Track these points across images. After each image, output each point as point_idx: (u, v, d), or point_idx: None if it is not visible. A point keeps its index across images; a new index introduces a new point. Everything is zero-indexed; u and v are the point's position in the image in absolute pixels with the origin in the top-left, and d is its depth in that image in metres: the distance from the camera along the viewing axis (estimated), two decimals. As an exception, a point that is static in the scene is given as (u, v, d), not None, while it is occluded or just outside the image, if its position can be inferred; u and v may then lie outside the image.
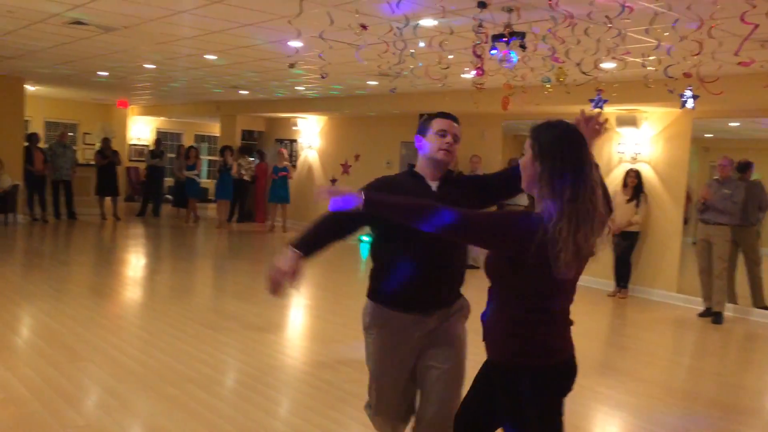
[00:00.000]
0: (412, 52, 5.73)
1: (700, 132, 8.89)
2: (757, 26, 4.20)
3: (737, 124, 9.00)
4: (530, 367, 2.12)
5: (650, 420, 4.35)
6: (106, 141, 13.90)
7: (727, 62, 5.35)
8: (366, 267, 11.16)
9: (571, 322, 2.26)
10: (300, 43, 6.72)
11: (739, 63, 4.83)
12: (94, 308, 6.37)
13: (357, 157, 13.11)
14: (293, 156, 14.69)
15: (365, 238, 12.46)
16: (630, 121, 8.67)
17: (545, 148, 2.05)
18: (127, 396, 4.12)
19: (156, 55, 8.62)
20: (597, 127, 2.42)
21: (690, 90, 5.05)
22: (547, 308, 2.16)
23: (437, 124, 2.68)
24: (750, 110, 7.86)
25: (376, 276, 2.74)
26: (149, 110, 18.05)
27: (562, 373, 2.18)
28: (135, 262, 9.64)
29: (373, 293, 2.73)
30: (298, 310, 7.23)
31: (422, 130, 2.73)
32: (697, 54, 4.70)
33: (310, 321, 6.80)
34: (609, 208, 2.24)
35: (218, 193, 13.74)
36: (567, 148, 2.04)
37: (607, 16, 4.40)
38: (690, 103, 5.14)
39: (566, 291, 2.21)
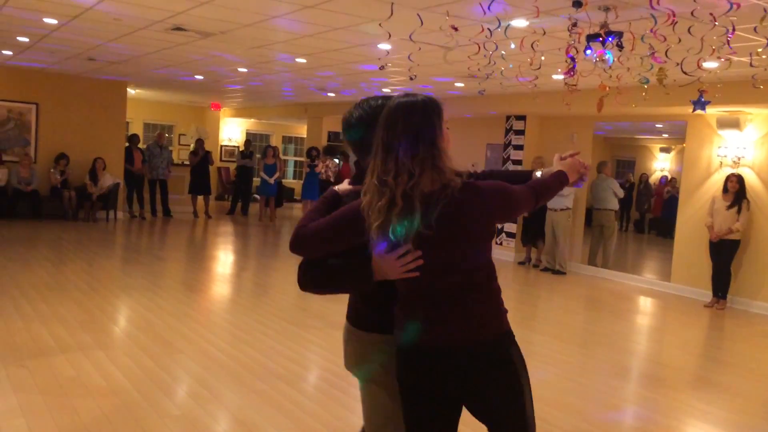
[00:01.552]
0: (502, 53, 5.64)
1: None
2: None
3: None
4: (510, 332, 2.11)
5: (752, 440, 4.10)
6: (199, 141, 14.48)
7: None
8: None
9: None
10: (389, 45, 6.75)
11: None
12: (187, 302, 6.64)
13: (441, 159, 13.02)
14: (378, 157, 14.77)
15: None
16: (732, 123, 8.21)
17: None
18: (218, 388, 4.27)
19: (249, 59, 8.90)
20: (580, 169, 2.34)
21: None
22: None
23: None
24: None
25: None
26: (240, 112, 18.67)
27: None
28: (224, 259, 9.98)
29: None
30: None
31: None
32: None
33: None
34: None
35: (304, 193, 14.02)
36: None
37: (712, 14, 4.18)
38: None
39: None
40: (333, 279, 2.09)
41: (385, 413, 2.22)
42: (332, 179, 14.40)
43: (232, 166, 17.19)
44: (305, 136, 16.71)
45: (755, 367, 5.93)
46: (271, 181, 14.01)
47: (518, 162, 11.02)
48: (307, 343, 5.45)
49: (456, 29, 5.53)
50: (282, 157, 19.07)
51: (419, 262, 1.95)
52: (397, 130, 1.93)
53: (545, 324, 7.21)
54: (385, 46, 6.90)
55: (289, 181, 19.64)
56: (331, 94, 12.64)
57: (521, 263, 10.77)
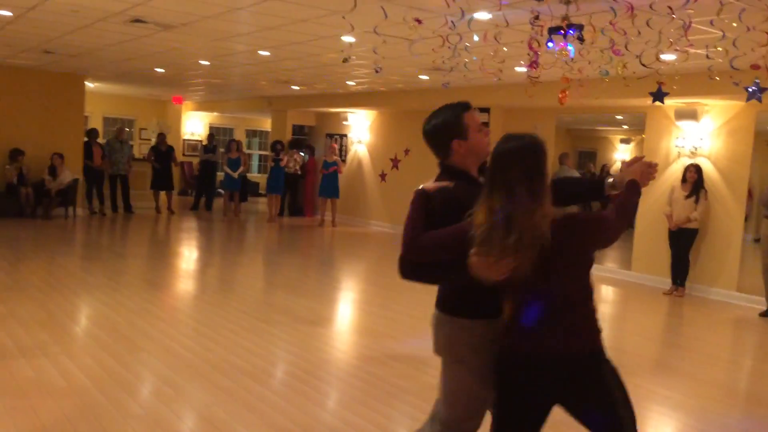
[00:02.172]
0: (466, 46, 5.66)
1: (764, 125, 8.55)
2: (832, 14, 4.00)
3: (805, 117, 8.61)
4: (602, 351, 2.30)
5: (709, 422, 4.22)
6: (161, 136, 14.23)
7: (797, 53, 5.10)
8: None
9: None
10: (353, 38, 6.72)
11: (812, 53, 4.59)
12: (149, 299, 6.53)
13: (407, 151, 13.08)
14: (343, 151, 14.77)
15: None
16: (690, 115, 8.39)
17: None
18: (182, 386, 4.21)
19: (211, 52, 8.77)
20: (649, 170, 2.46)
21: (758, 82, 4.84)
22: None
23: (475, 120, 2.50)
24: (820, 103, 7.50)
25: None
26: (202, 106, 18.41)
27: None
28: (188, 255, 9.85)
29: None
30: (348, 304, 7.27)
31: (457, 132, 2.46)
32: (765, 45, 4.51)
33: (359, 315, 6.82)
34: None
35: (269, 188, 13.91)
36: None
37: (669, 7, 4.25)
38: (756, 96, 4.92)
39: None
40: (437, 272, 2.36)
41: (469, 394, 2.44)
42: (299, 172, 14.35)
43: (195, 161, 16.97)
44: (269, 129, 16.57)
45: (713, 352, 6.09)
46: (235, 175, 13.86)
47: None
48: (273, 339, 5.42)
49: (420, 22, 5.53)
50: (246, 151, 18.91)
51: (509, 268, 2.16)
52: (514, 172, 2.17)
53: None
54: (349, 39, 6.87)
55: (254, 176, 19.46)
56: (296, 87, 12.54)
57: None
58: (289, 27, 6.62)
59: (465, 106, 2.51)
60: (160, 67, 10.78)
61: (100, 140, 13.84)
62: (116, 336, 5.16)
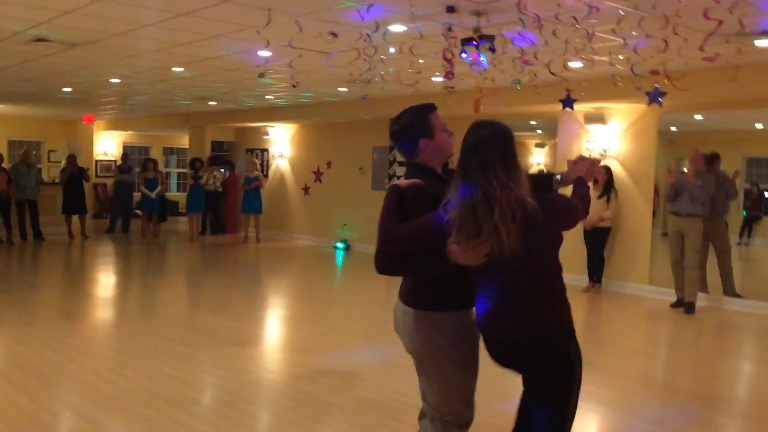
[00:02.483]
0: (382, 58, 5.71)
1: (666, 126, 9.03)
2: (720, 22, 4.26)
3: (701, 117, 9.16)
4: (572, 329, 2.43)
5: (630, 413, 4.38)
6: (71, 158, 13.64)
7: (692, 58, 5.44)
8: (341, 275, 11.04)
9: None
10: (269, 52, 6.66)
11: (705, 58, 4.89)
12: (64, 331, 6.21)
13: (329, 164, 13.05)
14: (265, 165, 14.59)
15: (340, 245, 12.42)
16: (598, 118, 8.77)
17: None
18: (102, 420, 4.01)
19: (122, 69, 8.49)
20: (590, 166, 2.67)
21: (657, 87, 5.11)
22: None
23: (440, 120, 2.64)
24: (715, 103, 7.99)
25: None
26: (115, 125, 17.79)
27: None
28: (105, 281, 9.45)
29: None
30: (275, 322, 7.16)
31: (425, 131, 2.58)
32: (663, 51, 4.77)
33: (287, 332, 6.72)
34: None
35: (189, 206, 13.56)
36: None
37: (574, 17, 4.43)
38: (656, 100, 5.20)
39: None
40: (414, 262, 2.46)
41: (460, 385, 2.57)
42: (220, 189, 14.07)
43: (110, 182, 16.35)
44: (187, 146, 16.17)
45: (630, 345, 6.36)
46: (153, 195, 13.44)
47: (402, 164, 11.19)
48: (198, 363, 5.26)
49: (335, 35, 5.55)
50: (163, 169, 18.38)
51: (486, 251, 2.27)
52: (490, 152, 2.31)
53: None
54: (265, 53, 6.80)
55: (173, 195, 18.93)
56: (213, 103, 12.31)
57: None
58: (202, 42, 6.49)
59: (431, 107, 2.65)
60: (68, 87, 10.35)
61: (5, 165, 13.11)
62: (29, 372, 4.87)
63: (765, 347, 6.67)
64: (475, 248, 2.27)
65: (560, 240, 2.45)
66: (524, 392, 2.52)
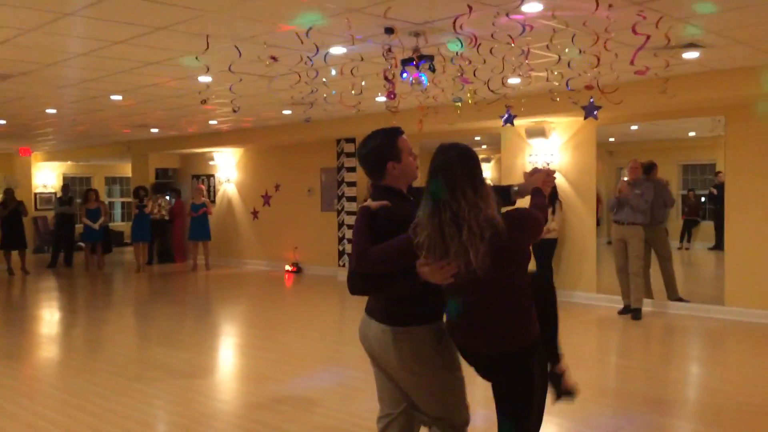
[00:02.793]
0: (324, 81, 5.73)
1: (604, 137, 9.31)
2: (648, 37, 4.44)
3: (636, 127, 9.49)
4: (536, 343, 2.51)
5: (583, 422, 4.45)
6: (8, 192, 13.17)
7: (624, 71, 5.63)
8: (294, 299, 10.88)
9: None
10: (209, 77, 6.60)
11: (635, 72, 5.08)
12: (6, 373, 5.95)
13: (277, 187, 12.97)
14: (211, 191, 14.39)
15: (292, 268, 12.31)
16: (539, 132, 8.98)
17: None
18: (50, 464, 3.85)
19: (57, 99, 8.27)
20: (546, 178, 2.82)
21: (592, 101, 5.28)
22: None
23: (407, 144, 2.71)
24: (648, 114, 8.30)
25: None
26: (54, 155, 17.28)
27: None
28: (48, 318, 9.11)
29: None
30: (228, 350, 7.03)
31: (392, 155, 2.65)
32: (595, 66, 4.94)
33: (241, 360, 6.61)
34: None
35: (135, 236, 13.24)
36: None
37: (509, 35, 4.55)
38: (592, 113, 5.36)
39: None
40: (387, 282, 2.52)
41: (453, 387, 2.68)
42: (167, 217, 13.81)
43: (50, 215, 15.84)
44: (131, 175, 15.82)
45: (581, 353, 6.47)
46: (96, 226, 13.08)
47: (352, 184, 11.22)
48: (148, 398, 5.11)
49: (275, 59, 5.54)
50: (106, 199, 17.94)
51: (454, 271, 2.35)
52: (457, 173, 2.37)
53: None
54: (205, 79, 6.73)
55: (118, 224, 18.48)
56: (155, 130, 12.10)
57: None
58: (140, 70, 6.39)
59: (398, 131, 2.72)
60: (2, 119, 10.02)
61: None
62: (-33, 419, 4.64)
63: (710, 349, 6.89)
64: (443, 268, 2.35)
65: (528, 257, 2.54)
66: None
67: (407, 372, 2.63)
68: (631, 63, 4.80)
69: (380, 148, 2.67)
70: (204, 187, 13.79)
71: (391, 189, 2.68)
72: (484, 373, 2.60)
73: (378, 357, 2.69)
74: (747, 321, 7.39)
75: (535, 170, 2.83)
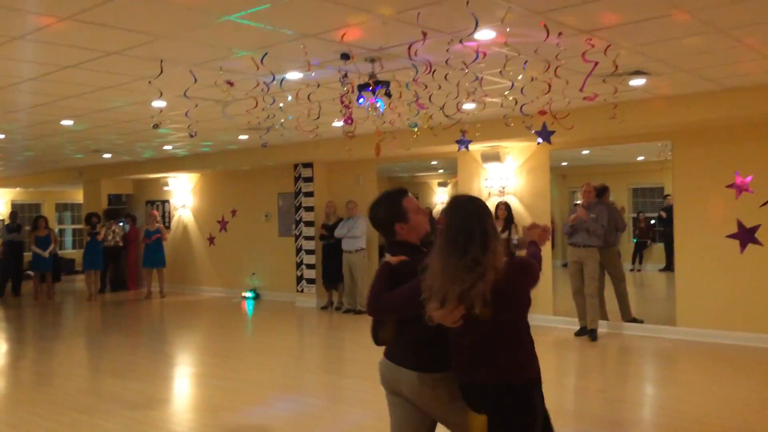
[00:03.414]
0: (281, 106, 5.73)
1: (557, 161, 9.50)
2: (597, 64, 4.58)
3: (588, 152, 9.72)
4: (539, 380, 2.68)
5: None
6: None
7: (575, 97, 5.78)
8: (252, 325, 10.74)
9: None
10: (164, 102, 6.53)
11: (585, 98, 5.22)
12: (-53, 408, 5.69)
13: (234, 212, 12.83)
14: (166, 217, 14.15)
15: (249, 294, 12.14)
16: (494, 157, 9.12)
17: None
18: (-8, 505, 3.68)
19: (5, 125, 8.06)
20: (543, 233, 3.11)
21: (545, 125, 5.39)
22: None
23: (412, 203, 2.91)
24: (598, 139, 8.52)
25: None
26: (2, 182, 16.80)
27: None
28: (-5, 349, 8.77)
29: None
30: (184, 380, 6.86)
31: (398, 217, 2.85)
32: (547, 92, 5.05)
33: (196, 390, 6.45)
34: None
35: (86, 264, 12.89)
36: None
37: (463, 62, 4.63)
38: (546, 138, 5.47)
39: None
40: (404, 330, 2.75)
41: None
42: (120, 244, 13.51)
43: (-3, 243, 15.33)
44: (82, 201, 15.47)
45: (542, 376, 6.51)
46: (46, 254, 12.70)
47: (310, 208, 11.18)
48: (100, 431, 4.94)
49: (232, 84, 5.52)
50: (57, 226, 17.47)
51: (463, 312, 2.51)
52: (473, 223, 2.56)
53: (353, 366, 7.30)
54: (160, 104, 6.65)
55: (69, 252, 18.00)
56: (108, 155, 11.87)
57: (324, 308, 10.87)
58: (92, 95, 6.28)
59: (402, 193, 2.92)
60: (-55, 144, 9.71)
61: None
62: None
63: (664, 369, 7.03)
64: (453, 311, 2.49)
65: (529, 301, 2.70)
66: None
67: (448, 410, 2.75)
68: (581, 89, 4.93)
69: (386, 213, 2.89)
70: (158, 213, 13.55)
71: (405, 243, 2.86)
72: (485, 409, 2.62)
73: (414, 401, 2.77)
74: (698, 341, 7.57)
75: (534, 225, 3.15)
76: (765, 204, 7.19)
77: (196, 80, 5.26)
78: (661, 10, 4.05)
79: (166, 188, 13.98)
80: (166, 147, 10.74)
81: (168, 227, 13.89)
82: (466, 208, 2.62)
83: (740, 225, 7.38)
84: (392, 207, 2.87)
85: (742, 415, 5.03)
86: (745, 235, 7.36)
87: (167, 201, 14.20)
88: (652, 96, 6.83)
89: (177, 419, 5.39)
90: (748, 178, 7.28)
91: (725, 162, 7.47)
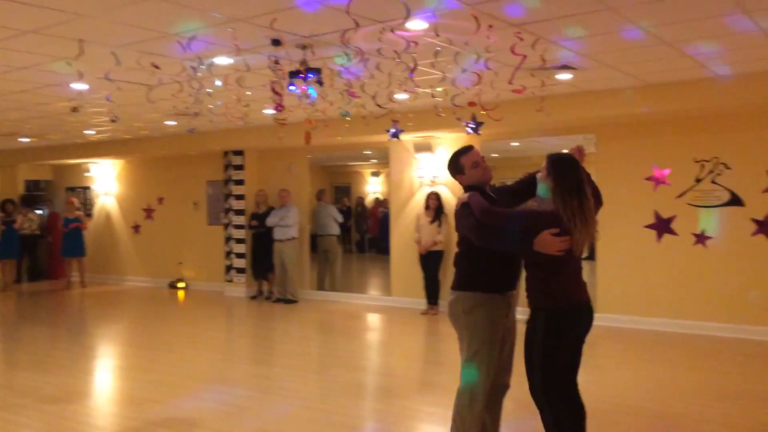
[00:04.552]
0: (209, 91, 5.58)
1: (487, 152, 9.65)
2: (525, 57, 4.67)
3: (518, 144, 9.93)
4: (544, 309, 3.36)
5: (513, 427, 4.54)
6: None
7: (503, 90, 5.88)
8: (178, 314, 10.44)
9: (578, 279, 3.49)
10: (84, 85, 6.24)
11: (514, 90, 5.32)
12: None
13: (161, 200, 12.46)
14: (88, 204, 13.61)
15: (176, 284, 11.85)
16: (426, 147, 9.20)
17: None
18: None
19: None
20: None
21: (474, 117, 5.47)
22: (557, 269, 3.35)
23: (469, 159, 3.69)
24: (527, 131, 8.72)
25: (472, 272, 3.62)
26: None
27: (566, 313, 3.40)
28: None
29: (471, 284, 3.59)
30: (105, 373, 6.63)
31: (457, 170, 3.75)
32: (477, 84, 5.12)
33: (118, 383, 6.25)
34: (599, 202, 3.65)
35: (1, 253, 12.25)
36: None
37: (395, 51, 4.63)
38: (475, 129, 5.55)
39: (572, 258, 3.34)
40: (507, 240, 3.30)
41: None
42: (38, 232, 12.91)
43: None
44: (-3, 187, 14.67)
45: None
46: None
47: (241, 197, 10.99)
48: (14, 428, 4.71)
49: (158, 67, 5.33)
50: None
51: (567, 246, 3.24)
52: (576, 176, 3.35)
53: (282, 356, 7.24)
54: (80, 86, 6.36)
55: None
56: (25, 139, 11.29)
57: (253, 297, 10.73)
58: (6, 75, 5.95)
59: (464, 151, 3.74)
60: None
61: None
62: None
63: (585, 354, 7.26)
64: (564, 241, 3.16)
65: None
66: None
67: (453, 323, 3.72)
68: (510, 82, 5.02)
69: (449, 166, 3.81)
70: (76, 201, 12.98)
71: (472, 186, 3.63)
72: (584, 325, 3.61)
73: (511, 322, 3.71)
74: (617, 326, 7.89)
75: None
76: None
77: (118, 62, 5.06)
78: (589, 6, 4.17)
79: (87, 174, 13.44)
80: (87, 132, 10.30)
81: (89, 215, 13.37)
82: (570, 160, 3.44)
83: (657, 216, 7.73)
84: (453, 163, 3.74)
85: (655, 395, 5.27)
86: (662, 226, 7.72)
87: (88, 188, 13.65)
88: (578, 90, 7.03)
89: (98, 413, 5.21)
90: (666, 171, 7.62)
91: (644, 156, 7.79)
